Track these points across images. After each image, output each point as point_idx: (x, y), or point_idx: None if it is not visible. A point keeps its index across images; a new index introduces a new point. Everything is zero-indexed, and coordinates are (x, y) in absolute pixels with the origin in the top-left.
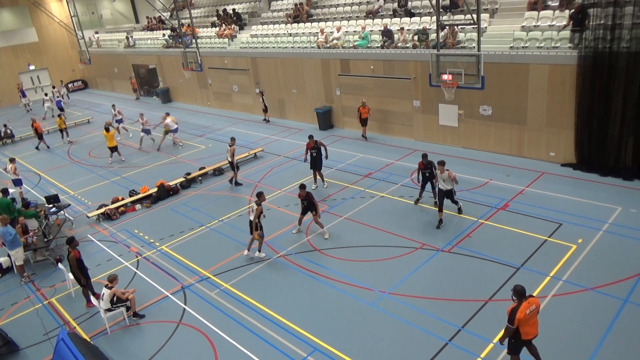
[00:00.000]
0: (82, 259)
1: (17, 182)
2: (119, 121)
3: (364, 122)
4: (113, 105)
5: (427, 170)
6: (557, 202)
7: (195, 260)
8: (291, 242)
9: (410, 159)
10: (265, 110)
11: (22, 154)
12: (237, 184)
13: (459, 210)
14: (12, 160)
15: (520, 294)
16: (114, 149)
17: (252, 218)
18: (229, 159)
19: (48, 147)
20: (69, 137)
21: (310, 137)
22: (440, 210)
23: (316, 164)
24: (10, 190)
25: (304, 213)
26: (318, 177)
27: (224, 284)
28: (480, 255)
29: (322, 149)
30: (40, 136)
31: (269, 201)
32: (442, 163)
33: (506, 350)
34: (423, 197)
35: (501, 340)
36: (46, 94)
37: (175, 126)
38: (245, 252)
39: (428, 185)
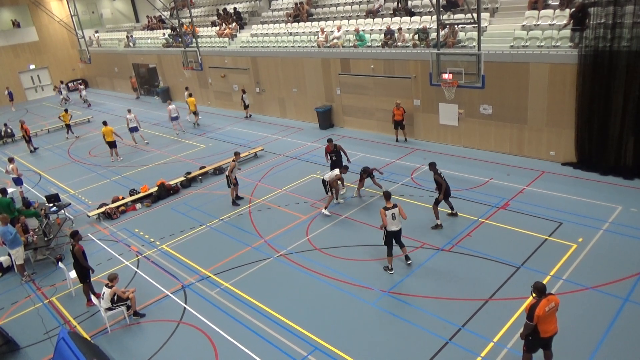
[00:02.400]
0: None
1: (18, 181)
2: (134, 129)
3: (397, 124)
4: (129, 110)
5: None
6: (558, 201)
7: (196, 260)
8: (291, 241)
9: (411, 158)
10: (246, 107)
11: (22, 153)
12: (237, 197)
13: (407, 258)
14: (11, 160)
15: (540, 290)
16: (112, 145)
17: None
18: (227, 174)
19: (34, 150)
20: (75, 134)
21: (330, 140)
22: (390, 254)
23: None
24: (10, 190)
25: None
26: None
27: (225, 283)
28: (480, 255)
29: (342, 153)
30: (28, 138)
31: (269, 201)
32: (387, 195)
33: (523, 347)
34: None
35: (522, 336)
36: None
37: (176, 114)
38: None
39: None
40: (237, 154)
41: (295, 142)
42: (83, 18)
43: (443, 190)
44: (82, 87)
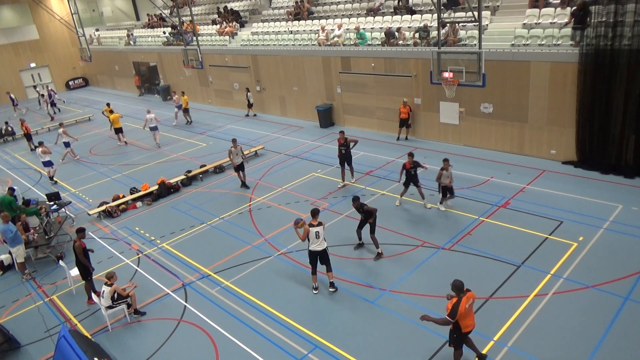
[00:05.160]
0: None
1: (48, 163)
2: (154, 128)
3: (403, 122)
4: (148, 110)
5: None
6: (558, 200)
7: (196, 258)
8: (292, 239)
9: None
10: (250, 105)
11: (23, 152)
12: (243, 184)
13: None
14: (41, 144)
15: (459, 289)
16: (119, 131)
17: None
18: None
19: (34, 148)
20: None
21: (341, 132)
22: (313, 272)
23: (346, 160)
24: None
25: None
26: (348, 172)
27: (225, 281)
28: (480, 253)
29: (352, 144)
30: (29, 137)
31: (269, 199)
32: (314, 212)
33: (448, 344)
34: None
35: (428, 319)
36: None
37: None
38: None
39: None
40: (233, 140)
41: (295, 141)
42: (83, 16)
43: (375, 216)
44: (48, 96)
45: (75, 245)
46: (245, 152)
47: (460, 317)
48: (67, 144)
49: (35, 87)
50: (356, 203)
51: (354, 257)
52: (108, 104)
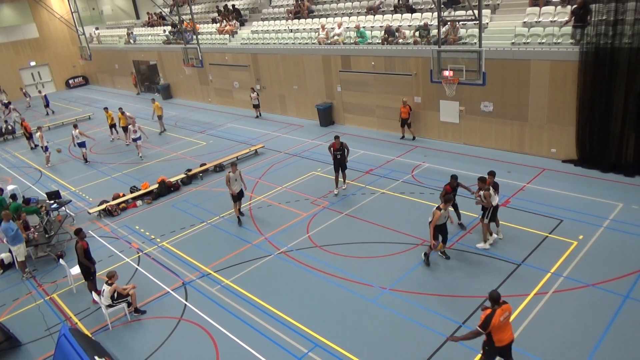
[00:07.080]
0: (90, 250)
1: (82, 144)
2: (138, 139)
3: (404, 122)
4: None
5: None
6: (558, 199)
7: (196, 257)
8: (292, 238)
9: (411, 156)
10: (257, 106)
11: (23, 150)
12: (240, 213)
13: None
14: (75, 126)
15: (495, 300)
16: (125, 129)
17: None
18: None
19: (34, 147)
20: (118, 136)
21: (336, 137)
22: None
23: (341, 165)
24: (10, 187)
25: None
26: (341, 178)
27: (225, 280)
28: (480, 252)
29: (345, 150)
30: (30, 135)
31: (269, 198)
32: (448, 200)
33: (480, 358)
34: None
35: (456, 339)
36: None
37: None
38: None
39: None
40: (232, 164)
41: (295, 140)
42: (83, 15)
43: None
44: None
45: (77, 246)
46: (244, 152)
47: (493, 329)
48: (138, 138)
49: (38, 88)
50: (456, 181)
51: (353, 255)
52: (121, 109)
